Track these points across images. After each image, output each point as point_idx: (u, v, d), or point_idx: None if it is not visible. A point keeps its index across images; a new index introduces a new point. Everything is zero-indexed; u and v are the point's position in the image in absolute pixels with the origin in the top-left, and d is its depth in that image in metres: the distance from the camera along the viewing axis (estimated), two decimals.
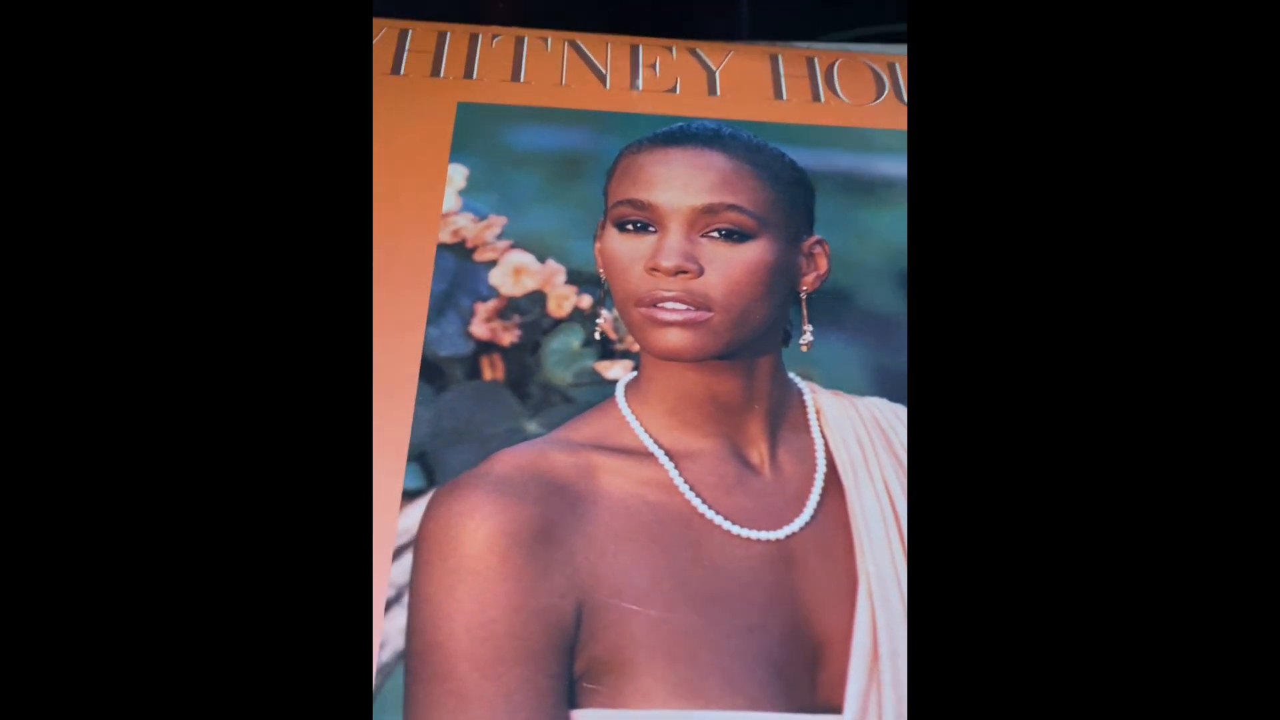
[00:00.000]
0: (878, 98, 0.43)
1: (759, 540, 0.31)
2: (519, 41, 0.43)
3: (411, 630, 0.29)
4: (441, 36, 0.43)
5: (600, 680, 0.29)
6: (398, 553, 0.30)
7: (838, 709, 0.29)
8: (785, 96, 0.43)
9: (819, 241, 0.36)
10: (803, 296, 0.36)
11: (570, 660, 0.29)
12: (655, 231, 0.35)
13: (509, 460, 0.32)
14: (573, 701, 0.29)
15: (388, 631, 0.29)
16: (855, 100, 0.43)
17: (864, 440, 0.34)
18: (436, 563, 0.30)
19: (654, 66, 0.43)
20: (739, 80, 0.43)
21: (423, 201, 0.37)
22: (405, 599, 0.30)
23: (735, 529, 0.32)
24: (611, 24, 0.44)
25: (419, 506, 0.31)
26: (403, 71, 0.41)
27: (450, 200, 0.38)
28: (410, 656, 0.29)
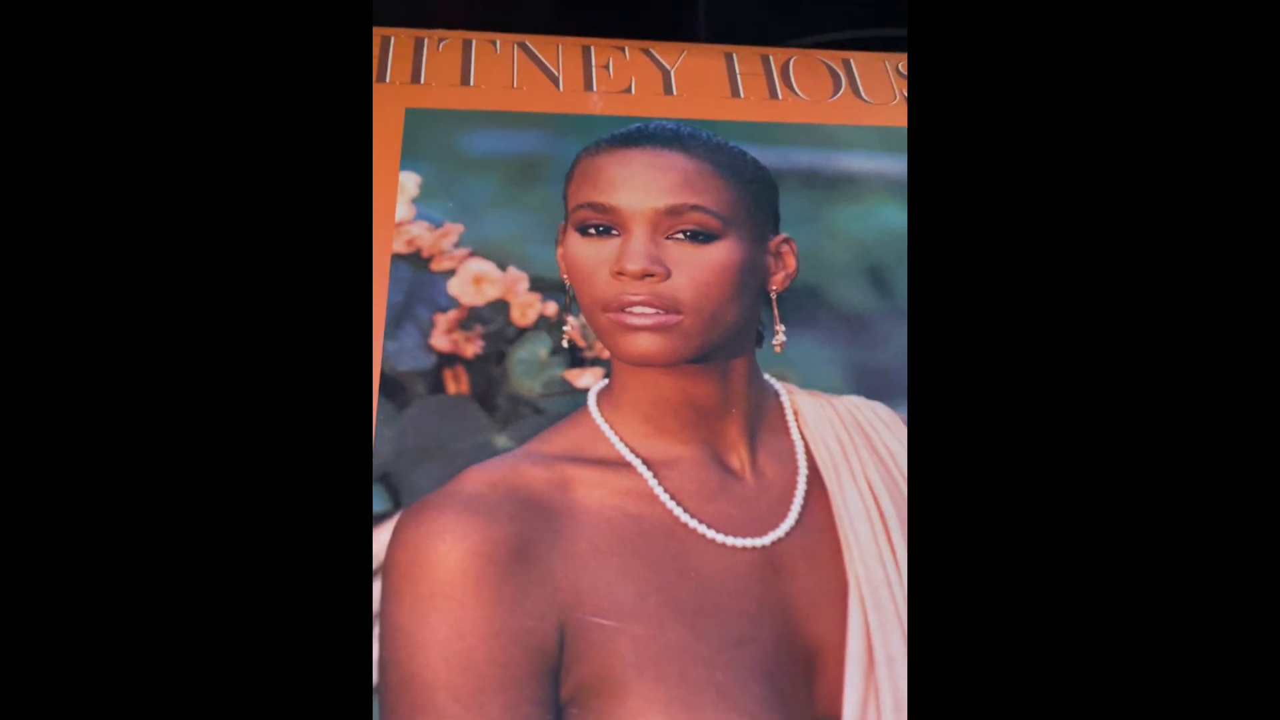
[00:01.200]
0: (835, 94, 0.43)
1: (745, 548, 0.30)
2: (467, 45, 0.42)
3: (385, 662, 0.27)
4: (386, 41, 0.41)
5: (588, 705, 0.27)
6: None
7: (836, 719, 0.28)
8: (742, 94, 0.42)
9: (786, 240, 0.36)
10: (773, 296, 0.35)
11: (555, 685, 0.27)
12: (618, 235, 0.34)
13: (479, 477, 0.30)
14: None
15: None
16: (813, 97, 0.43)
17: (844, 440, 0.33)
18: (407, 589, 0.28)
19: (607, 67, 0.42)
20: (695, 79, 0.42)
21: (375, 211, 0.35)
22: (376, 629, 0.28)
23: (720, 537, 0.30)
24: (560, 25, 0.43)
25: (386, 531, 0.29)
26: None
27: (403, 209, 0.36)
28: (385, 690, 0.27)
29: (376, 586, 0.28)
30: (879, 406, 0.34)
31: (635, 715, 0.27)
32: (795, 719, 0.28)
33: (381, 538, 0.29)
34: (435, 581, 0.28)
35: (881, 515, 0.31)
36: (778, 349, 0.34)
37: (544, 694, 0.27)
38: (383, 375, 0.32)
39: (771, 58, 0.44)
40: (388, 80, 0.40)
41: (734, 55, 0.44)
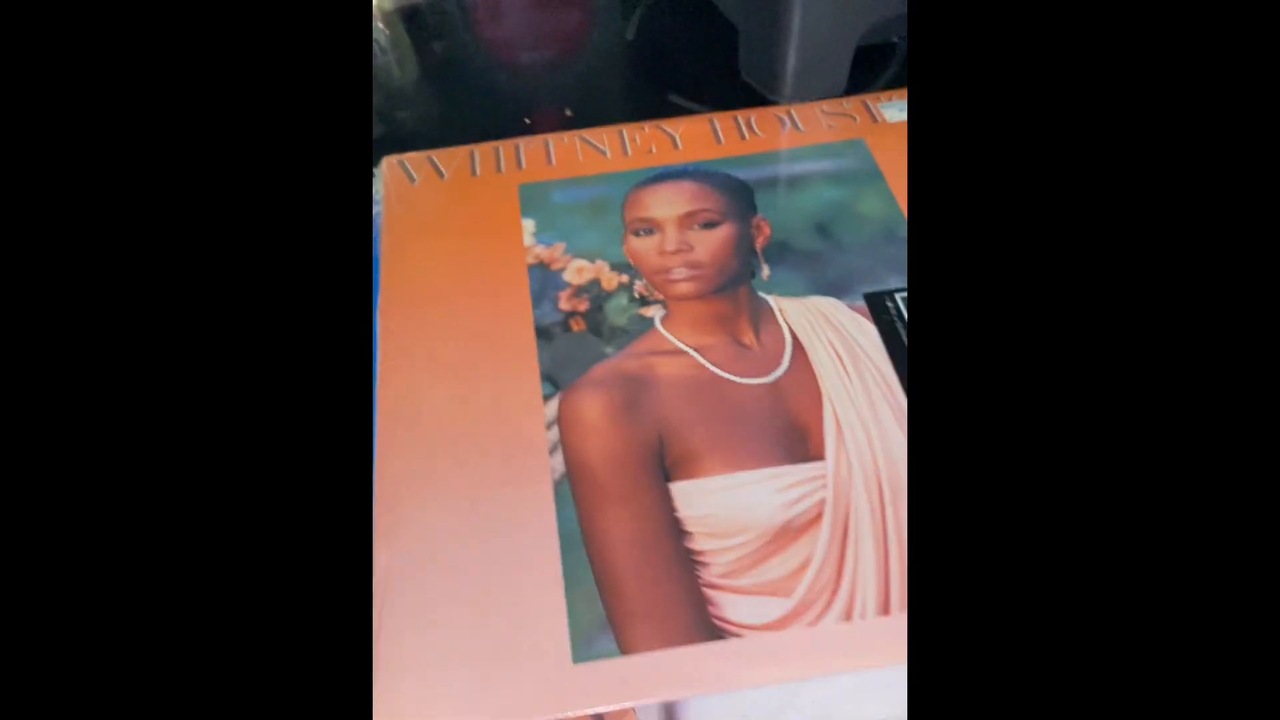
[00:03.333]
0: (783, 130, 0.66)
1: (758, 384, 0.52)
2: (545, 142, 0.66)
3: (569, 464, 0.49)
4: (497, 149, 0.66)
5: (682, 467, 0.49)
6: (548, 429, 0.51)
7: (821, 457, 0.49)
8: (722, 141, 0.65)
9: (762, 219, 0.59)
10: (758, 250, 0.58)
11: (662, 461, 0.49)
12: (658, 233, 0.58)
13: (600, 370, 0.53)
14: (668, 480, 0.48)
15: (553, 465, 0.49)
16: (768, 135, 0.66)
17: (811, 320, 0.55)
18: (574, 427, 0.51)
19: (635, 140, 0.66)
20: (691, 138, 0.66)
21: (511, 244, 0.59)
22: (559, 451, 0.50)
23: (743, 380, 0.52)
24: (599, 120, 0.68)
25: (554, 403, 0.52)
26: (478, 173, 0.64)
27: (528, 239, 0.60)
28: (572, 474, 0.49)
29: (554, 431, 0.50)
30: (830, 300, 0.56)
31: (709, 469, 0.49)
32: (798, 460, 0.49)
33: (551, 407, 0.51)
34: (588, 424, 0.51)
35: (839, 357, 0.53)
36: (765, 278, 0.57)
37: (656, 466, 0.49)
38: (535, 328, 0.55)
39: (738, 116, 0.67)
40: (502, 170, 0.64)
41: (714, 120, 0.67)
